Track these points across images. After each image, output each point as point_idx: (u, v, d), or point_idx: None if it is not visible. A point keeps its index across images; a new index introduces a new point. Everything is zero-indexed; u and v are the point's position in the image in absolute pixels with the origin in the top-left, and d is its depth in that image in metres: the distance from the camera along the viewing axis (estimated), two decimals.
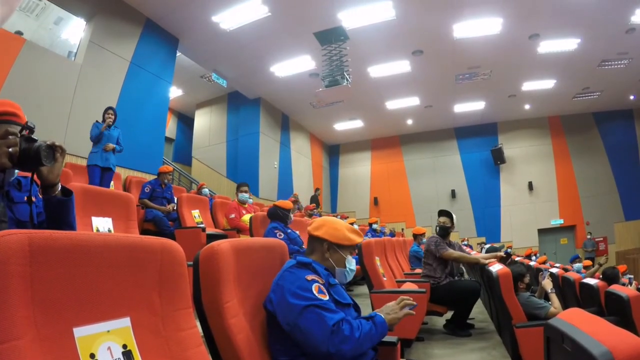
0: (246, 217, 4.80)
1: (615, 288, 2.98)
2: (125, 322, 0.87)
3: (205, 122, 12.41)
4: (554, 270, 5.16)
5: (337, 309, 1.32)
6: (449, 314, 3.76)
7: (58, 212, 1.27)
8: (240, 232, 4.73)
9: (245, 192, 5.19)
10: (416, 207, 14.69)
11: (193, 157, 12.28)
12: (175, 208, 4.87)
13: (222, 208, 5.46)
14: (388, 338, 1.55)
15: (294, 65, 9.47)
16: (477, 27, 8.07)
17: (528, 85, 11.03)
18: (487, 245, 9.79)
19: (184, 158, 12.95)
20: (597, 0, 7.27)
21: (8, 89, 5.16)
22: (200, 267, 1.18)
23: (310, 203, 11.42)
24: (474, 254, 4.44)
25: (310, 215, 8.77)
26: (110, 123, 4.70)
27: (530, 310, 2.82)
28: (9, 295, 0.66)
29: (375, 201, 15.11)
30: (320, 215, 9.53)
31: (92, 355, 0.77)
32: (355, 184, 15.74)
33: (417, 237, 6.33)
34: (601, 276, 4.60)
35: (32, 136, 1.20)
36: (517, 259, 6.40)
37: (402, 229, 13.99)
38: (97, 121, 4.74)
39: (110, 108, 4.81)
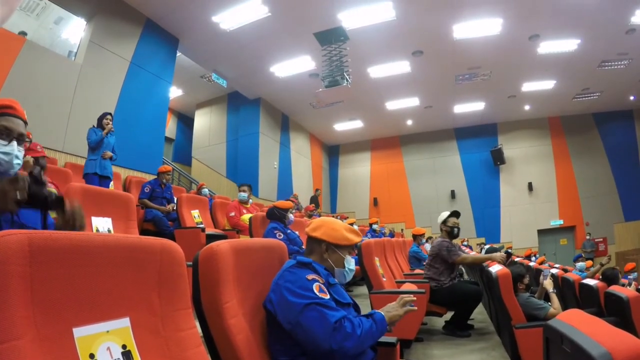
0: (245, 217, 4.82)
1: (614, 289, 2.98)
2: (124, 322, 0.87)
3: (205, 122, 12.42)
4: (553, 270, 5.16)
5: (338, 308, 1.33)
6: (448, 315, 3.76)
7: None
8: (239, 232, 4.73)
9: (244, 191, 5.21)
10: (416, 207, 14.69)
11: (193, 157, 12.28)
12: (175, 208, 4.86)
13: (222, 208, 5.46)
14: (387, 338, 1.56)
15: (294, 66, 9.47)
16: (477, 28, 8.07)
17: (528, 86, 11.03)
18: (487, 246, 9.79)
19: (184, 158, 12.95)
20: (597, 0, 7.27)
21: (8, 88, 5.16)
22: (200, 268, 1.18)
23: (310, 204, 11.42)
24: (473, 254, 4.43)
25: (309, 216, 8.77)
26: (112, 129, 4.58)
27: (529, 310, 2.82)
28: (8, 295, 0.66)
29: (375, 202, 15.11)
30: (319, 216, 9.53)
31: (92, 356, 0.77)
32: (355, 184, 15.74)
33: (416, 237, 6.32)
34: (601, 277, 4.60)
35: (42, 178, 1.18)
36: (516, 259, 6.40)
37: (402, 230, 13.99)
38: (93, 126, 4.60)
39: (108, 113, 4.69)
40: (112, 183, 4.85)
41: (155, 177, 5.35)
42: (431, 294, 3.62)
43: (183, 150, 13.25)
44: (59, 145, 5.81)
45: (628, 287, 4.93)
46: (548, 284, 3.11)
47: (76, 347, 0.75)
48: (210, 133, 12.20)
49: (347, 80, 7.80)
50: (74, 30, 7.08)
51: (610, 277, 4.05)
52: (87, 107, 6.07)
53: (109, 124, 4.55)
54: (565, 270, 6.25)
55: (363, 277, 3.38)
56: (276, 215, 4.04)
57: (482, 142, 14.11)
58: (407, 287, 3.40)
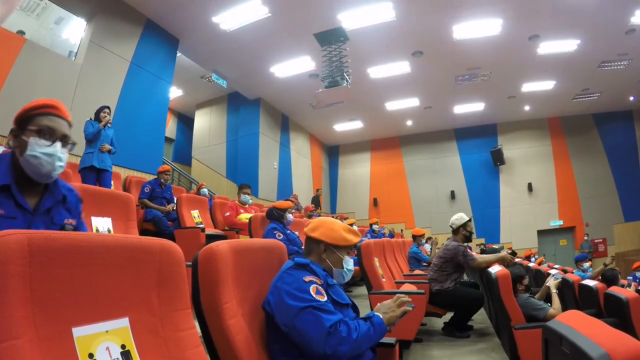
0: (242, 216, 4.83)
1: (614, 290, 2.97)
2: (124, 322, 0.87)
3: (205, 123, 12.42)
4: (553, 271, 5.16)
5: (335, 310, 1.32)
6: (447, 316, 3.75)
7: None
8: (239, 232, 4.74)
9: (248, 194, 5.21)
10: (416, 208, 14.69)
11: (193, 157, 12.28)
12: (174, 208, 4.86)
13: (222, 208, 5.46)
14: (386, 339, 1.55)
15: (294, 66, 9.47)
16: (477, 28, 8.07)
17: (528, 87, 11.03)
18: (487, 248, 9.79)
19: (184, 158, 12.95)
20: (597, 1, 7.27)
21: (8, 88, 5.17)
22: (199, 268, 1.18)
23: (312, 204, 11.41)
24: (474, 254, 4.42)
25: (309, 217, 8.77)
26: (109, 120, 4.50)
27: (529, 311, 2.82)
28: (8, 295, 0.66)
29: (375, 202, 15.10)
30: (319, 216, 9.53)
31: (91, 355, 0.77)
32: (354, 184, 15.74)
33: (416, 238, 6.32)
34: (600, 277, 4.60)
35: None
36: (516, 260, 6.40)
37: (402, 230, 13.99)
38: (90, 119, 4.52)
39: (106, 107, 4.62)
40: (112, 182, 4.83)
41: (155, 177, 5.35)
42: (433, 296, 3.61)
43: (183, 150, 13.25)
44: None
45: (628, 288, 4.93)
46: (553, 284, 3.11)
47: (75, 347, 0.75)
48: (210, 133, 12.20)
49: (347, 81, 7.80)
50: (74, 30, 7.09)
51: (609, 278, 4.05)
52: (87, 107, 6.04)
53: (106, 117, 4.47)
54: (565, 271, 6.24)
55: (362, 277, 3.38)
56: (275, 216, 4.04)
57: (481, 143, 14.11)
58: (407, 287, 3.41)
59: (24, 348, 0.66)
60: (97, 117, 4.52)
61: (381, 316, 1.41)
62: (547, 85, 10.93)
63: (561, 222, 13.23)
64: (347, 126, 13.98)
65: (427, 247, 7.26)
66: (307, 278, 1.34)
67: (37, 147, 1.21)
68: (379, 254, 3.79)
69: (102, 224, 2.51)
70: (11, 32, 5.66)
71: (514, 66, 9.76)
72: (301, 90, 10.56)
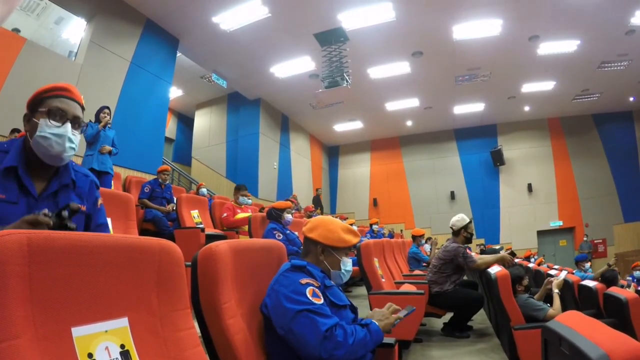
0: (239, 216, 4.84)
1: (614, 290, 2.97)
2: (123, 322, 0.87)
3: (205, 123, 12.42)
4: (552, 272, 5.16)
5: (331, 314, 1.31)
6: (447, 316, 3.75)
7: None
8: (239, 232, 4.74)
9: (246, 195, 5.21)
10: (415, 208, 14.69)
11: (193, 157, 12.28)
12: (174, 208, 4.86)
13: (221, 208, 5.46)
14: (386, 339, 1.55)
15: (294, 66, 9.48)
16: (477, 29, 8.08)
17: (528, 87, 11.04)
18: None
19: (184, 158, 12.95)
20: (597, 1, 7.28)
21: (8, 88, 5.17)
22: (199, 268, 1.18)
23: (314, 206, 11.39)
24: (474, 255, 4.42)
25: (309, 217, 8.77)
26: (109, 121, 4.43)
27: (528, 312, 2.82)
28: (7, 294, 0.66)
29: (375, 202, 15.10)
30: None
31: (90, 355, 0.77)
32: (354, 185, 15.74)
33: (416, 238, 6.32)
34: (600, 278, 4.61)
35: (71, 224, 1.06)
36: (515, 260, 6.39)
37: (401, 230, 13.99)
38: (90, 121, 4.42)
39: (105, 107, 4.55)
40: (112, 183, 4.81)
41: (155, 177, 5.34)
42: (433, 297, 3.61)
43: (183, 150, 13.25)
44: None
45: (627, 288, 4.93)
46: (556, 284, 3.10)
47: (75, 347, 0.75)
48: (210, 133, 12.20)
49: (347, 81, 7.80)
50: (74, 30, 7.09)
51: (609, 279, 4.06)
52: (87, 107, 5.93)
53: (105, 117, 4.39)
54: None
55: (362, 277, 3.38)
56: (274, 216, 4.05)
57: (481, 143, 14.11)
58: (406, 288, 3.41)
59: (24, 348, 0.66)
60: (97, 119, 4.45)
61: (377, 324, 1.40)
62: (547, 85, 10.93)
63: (561, 223, 13.23)
64: (347, 126, 13.98)
65: (427, 247, 7.26)
66: (304, 280, 1.33)
67: (47, 128, 1.19)
68: (378, 254, 3.79)
69: None
70: (11, 32, 5.66)
71: (513, 67, 9.76)
72: (301, 90, 10.56)
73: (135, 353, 0.87)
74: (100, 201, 1.42)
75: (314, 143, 14.92)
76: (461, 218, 3.81)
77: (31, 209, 1.17)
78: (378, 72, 9.79)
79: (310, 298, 1.28)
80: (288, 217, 4.09)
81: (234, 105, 11.74)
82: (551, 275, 3.71)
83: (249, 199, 5.23)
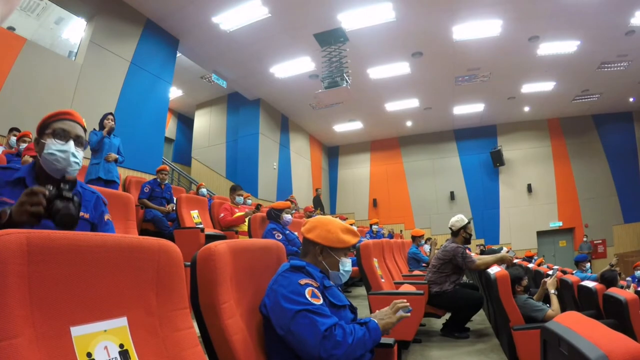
0: (237, 215, 4.86)
1: (613, 291, 2.97)
2: (122, 321, 0.87)
3: (205, 123, 12.42)
4: (550, 272, 5.16)
5: (330, 314, 1.31)
6: (447, 316, 3.75)
7: None
8: (238, 232, 4.75)
9: (242, 195, 5.23)
10: (415, 209, 14.69)
11: (193, 157, 12.29)
12: (174, 208, 4.86)
13: (220, 209, 5.47)
14: (385, 340, 1.55)
15: (294, 67, 9.48)
16: (477, 29, 8.08)
17: (527, 88, 11.04)
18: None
19: (184, 158, 12.96)
20: (597, 2, 7.28)
21: (8, 88, 5.18)
22: (198, 268, 1.18)
23: (314, 206, 11.38)
24: (473, 255, 4.42)
25: (309, 217, 8.77)
26: (113, 126, 4.29)
27: (528, 312, 2.82)
28: (6, 294, 0.67)
29: (375, 203, 15.11)
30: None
31: (89, 355, 0.77)
32: (354, 185, 15.75)
33: (415, 239, 6.32)
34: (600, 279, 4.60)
35: (68, 193, 1.15)
36: (515, 261, 6.40)
37: (401, 231, 13.99)
38: (94, 129, 4.32)
39: (109, 113, 4.42)
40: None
41: (155, 177, 5.35)
42: (432, 298, 3.61)
43: (183, 150, 13.26)
44: None
45: (627, 289, 4.93)
46: (550, 284, 3.10)
47: (74, 346, 0.76)
48: (210, 134, 12.20)
49: (346, 82, 7.80)
50: (74, 30, 7.10)
51: (609, 279, 4.06)
52: (87, 107, 6.07)
53: (110, 123, 4.28)
54: (565, 272, 6.24)
55: (361, 278, 3.39)
56: (272, 216, 4.06)
57: (481, 144, 14.12)
58: (406, 288, 3.41)
59: (22, 347, 0.66)
60: (101, 125, 4.33)
61: (377, 322, 1.40)
62: (546, 86, 10.94)
63: (560, 223, 13.24)
64: (346, 127, 13.99)
65: (427, 247, 7.26)
66: (303, 281, 1.33)
67: (53, 146, 1.36)
68: (378, 254, 3.79)
69: None
70: (11, 32, 5.67)
71: (513, 67, 9.76)
72: (301, 90, 10.57)
73: (134, 352, 0.87)
74: (107, 217, 1.60)
75: (314, 143, 14.93)
76: (460, 218, 3.82)
77: None
78: (378, 72, 9.80)
79: (310, 298, 1.29)
80: (287, 217, 4.10)
81: (233, 105, 11.74)
82: (550, 276, 3.71)
83: (249, 199, 5.24)
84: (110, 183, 4.19)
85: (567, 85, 10.90)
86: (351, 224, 6.83)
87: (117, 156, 4.31)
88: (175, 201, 4.90)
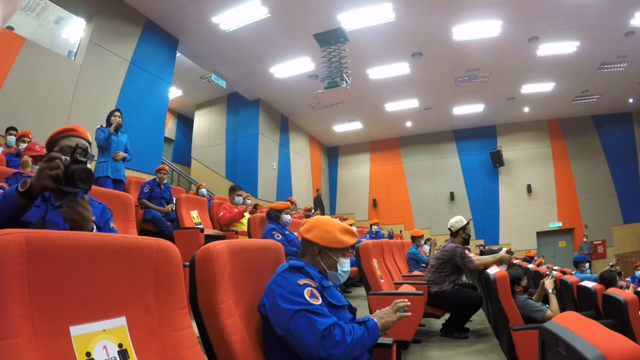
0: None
1: (612, 291, 2.98)
2: (121, 321, 0.87)
3: (205, 123, 12.42)
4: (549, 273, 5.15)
5: (329, 314, 1.31)
6: (446, 316, 3.75)
7: None
8: (238, 233, 4.75)
9: (241, 195, 5.23)
10: (415, 209, 14.69)
11: (192, 157, 12.29)
12: (174, 208, 4.86)
13: (219, 208, 5.47)
14: (384, 340, 1.55)
15: (294, 67, 9.48)
16: (477, 30, 8.09)
17: (527, 88, 11.04)
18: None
19: (183, 158, 12.95)
20: (597, 3, 7.29)
21: (8, 88, 5.17)
22: (197, 268, 1.18)
23: (315, 207, 11.37)
24: (473, 256, 4.42)
25: (308, 216, 8.77)
26: (120, 122, 4.21)
27: (527, 313, 2.82)
28: (6, 293, 0.67)
29: (374, 203, 15.11)
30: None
31: (88, 354, 0.77)
32: (354, 185, 15.74)
33: (415, 239, 6.32)
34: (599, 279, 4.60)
35: (82, 157, 1.24)
36: (514, 261, 6.40)
37: (401, 231, 13.99)
38: (101, 126, 4.23)
39: (117, 110, 4.36)
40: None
41: (154, 177, 5.34)
42: (432, 297, 3.61)
43: (182, 150, 13.25)
44: None
45: (626, 289, 4.93)
46: (548, 284, 3.10)
47: (73, 346, 0.76)
48: (209, 134, 12.20)
49: (346, 82, 7.80)
50: (74, 30, 7.09)
51: (608, 280, 4.05)
52: (86, 107, 6.07)
53: (116, 119, 4.20)
54: (564, 273, 6.24)
55: (361, 278, 3.39)
56: (271, 216, 4.07)
57: (481, 144, 14.12)
58: (405, 288, 3.41)
59: (22, 346, 0.66)
60: (108, 122, 4.27)
61: (377, 321, 1.40)
62: (546, 87, 10.94)
63: (560, 224, 13.24)
64: (346, 127, 13.99)
65: (426, 248, 7.26)
66: (302, 281, 1.33)
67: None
68: (377, 255, 3.79)
69: None
70: (11, 32, 5.66)
71: (513, 68, 9.77)
72: (301, 91, 10.57)
73: (133, 352, 0.87)
74: (112, 224, 1.69)
75: (314, 144, 14.93)
76: (459, 219, 3.84)
77: (49, 212, 1.43)
78: (378, 72, 9.80)
79: (308, 299, 1.29)
80: (286, 217, 4.10)
81: (233, 105, 11.74)
82: (547, 276, 3.71)
83: (248, 199, 5.24)
84: (118, 183, 4.17)
85: (566, 85, 10.91)
86: (351, 225, 6.85)
87: (125, 155, 4.26)
88: (174, 201, 4.90)
